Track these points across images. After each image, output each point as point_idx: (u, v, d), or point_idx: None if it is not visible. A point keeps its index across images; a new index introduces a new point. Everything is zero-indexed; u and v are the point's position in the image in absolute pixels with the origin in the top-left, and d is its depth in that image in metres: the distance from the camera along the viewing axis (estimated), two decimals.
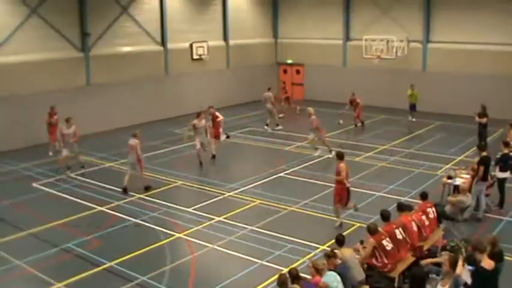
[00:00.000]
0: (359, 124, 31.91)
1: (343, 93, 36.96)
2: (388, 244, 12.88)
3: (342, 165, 17.26)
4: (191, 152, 25.15)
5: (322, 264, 11.57)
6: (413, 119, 32.56)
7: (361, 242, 13.60)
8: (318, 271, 11.40)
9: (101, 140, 28.91)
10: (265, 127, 31.78)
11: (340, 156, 17.68)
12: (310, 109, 26.13)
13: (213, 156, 25.29)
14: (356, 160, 24.84)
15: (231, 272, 14.64)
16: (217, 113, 25.81)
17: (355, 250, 13.11)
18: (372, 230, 13.08)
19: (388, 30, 36.10)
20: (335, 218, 17.53)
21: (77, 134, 23.72)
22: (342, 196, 17.22)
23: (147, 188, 21.20)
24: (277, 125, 31.94)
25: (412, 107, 32.75)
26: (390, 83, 36.84)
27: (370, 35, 36.43)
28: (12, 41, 27.79)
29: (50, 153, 26.45)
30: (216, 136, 25.53)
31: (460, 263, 11.21)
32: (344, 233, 16.16)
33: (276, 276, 11.50)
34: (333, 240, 13.31)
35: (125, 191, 20.89)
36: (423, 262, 13.05)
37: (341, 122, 32.13)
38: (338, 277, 11.35)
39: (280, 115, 33.79)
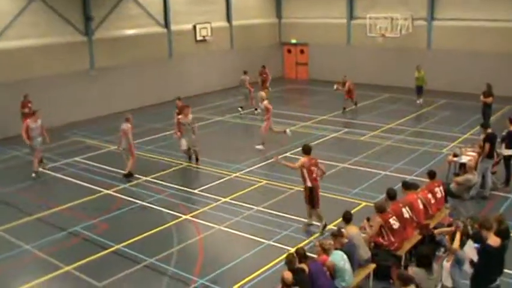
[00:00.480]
0: (353, 106, 31.03)
1: (348, 72, 36.87)
2: (395, 223, 12.92)
3: (303, 160, 15.30)
4: (197, 133, 25.17)
5: (328, 243, 11.63)
6: (421, 101, 31.59)
7: (368, 219, 13.64)
8: (325, 250, 11.45)
9: (106, 124, 28.94)
10: (239, 109, 30.93)
11: (305, 150, 15.55)
12: (262, 93, 25.21)
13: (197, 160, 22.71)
14: (361, 139, 24.84)
15: (238, 252, 14.72)
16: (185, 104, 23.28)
17: (361, 228, 13.15)
18: (379, 209, 13.10)
19: (392, 8, 35.84)
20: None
21: (43, 128, 21.78)
22: (306, 197, 15.53)
23: (127, 176, 20.61)
24: (256, 109, 30.36)
25: (419, 90, 31.61)
26: (395, 62, 36.70)
27: (374, 13, 36.17)
28: (15, 26, 27.73)
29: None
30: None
31: (457, 237, 11.25)
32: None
33: (284, 256, 11.57)
34: (340, 219, 13.36)
35: (128, 176, 20.70)
36: (437, 231, 13.06)
37: (335, 87, 31.22)
38: (345, 256, 11.42)
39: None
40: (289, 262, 10.94)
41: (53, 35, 29.24)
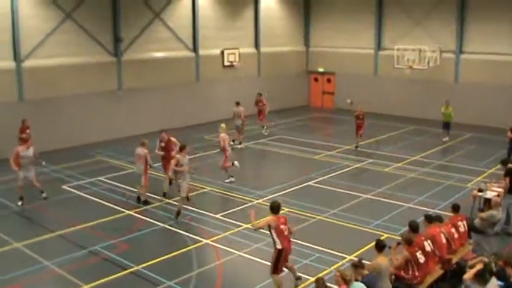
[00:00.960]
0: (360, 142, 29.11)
1: (374, 102, 36.99)
2: (421, 257, 12.69)
3: (269, 218, 13.52)
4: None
5: (349, 274, 11.46)
6: (447, 139, 30.15)
7: (398, 244, 13.24)
8: (346, 281, 11.27)
9: (130, 145, 28.82)
10: (232, 143, 27.48)
11: (272, 208, 13.64)
12: (223, 125, 23.86)
13: (164, 194, 21.36)
14: (385, 170, 24.70)
15: (257, 279, 14.61)
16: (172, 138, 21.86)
17: (390, 260, 12.81)
18: (408, 241, 12.84)
19: (420, 40, 35.86)
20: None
21: (36, 157, 20.89)
22: (273, 261, 13.59)
23: (144, 203, 20.40)
24: (240, 143, 29.43)
25: (446, 126, 30.16)
26: (422, 94, 36.58)
27: (402, 44, 36.20)
28: (47, 45, 28.19)
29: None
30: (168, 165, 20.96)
31: (474, 269, 11.08)
32: (372, 244, 16.14)
33: (303, 286, 11.46)
34: (360, 251, 13.22)
35: (146, 203, 20.48)
36: (466, 277, 12.35)
37: (348, 101, 30.66)
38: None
39: (266, 132, 32.46)
40: (318, 282, 11.00)
41: (83, 55, 29.64)
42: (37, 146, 26.82)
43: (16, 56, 27.18)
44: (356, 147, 28.66)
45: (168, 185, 21.42)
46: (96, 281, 14.40)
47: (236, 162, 23.22)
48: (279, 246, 13.30)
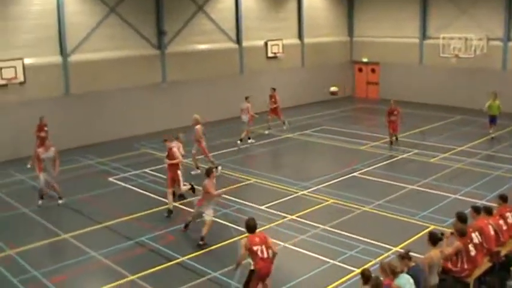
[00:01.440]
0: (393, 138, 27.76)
1: (420, 92, 36.55)
2: (472, 249, 12.45)
3: (244, 241, 12.63)
4: (264, 149, 25.22)
5: (398, 266, 11.27)
6: (493, 134, 28.33)
7: (442, 234, 12.94)
8: (394, 273, 11.07)
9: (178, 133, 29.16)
10: (238, 142, 27.70)
11: (247, 227, 12.61)
12: (197, 116, 23.68)
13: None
14: (431, 161, 24.40)
15: (303, 271, 14.60)
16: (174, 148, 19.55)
17: (441, 252, 12.52)
18: (461, 232, 12.59)
19: (466, 28, 35.27)
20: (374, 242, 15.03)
21: (56, 162, 19.91)
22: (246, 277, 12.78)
23: (180, 197, 20.14)
24: (241, 140, 27.82)
25: (492, 120, 28.33)
26: (468, 83, 35.99)
27: (448, 33, 35.68)
28: (91, 39, 28.58)
29: (28, 166, 23.94)
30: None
31: None
32: (417, 236, 16.00)
33: (349, 277, 11.36)
34: (407, 242, 13.06)
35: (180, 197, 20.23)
36: None
37: (333, 90, 29.75)
38: (411, 280, 11.11)
39: (266, 131, 30.54)
40: (365, 277, 10.72)
41: (127, 48, 29.96)
42: (83, 139, 27.47)
43: (62, 51, 27.62)
44: (391, 143, 27.41)
45: (172, 200, 19.03)
46: (142, 272, 14.57)
47: (219, 168, 22.62)
48: (251, 267, 12.48)
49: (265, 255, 12.22)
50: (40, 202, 19.87)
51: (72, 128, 27.61)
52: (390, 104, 27.71)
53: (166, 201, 19.16)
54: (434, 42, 36.79)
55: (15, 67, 25.79)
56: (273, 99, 30.53)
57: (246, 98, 28.34)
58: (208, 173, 16.40)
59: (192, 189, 20.01)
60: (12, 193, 20.59)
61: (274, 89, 30.81)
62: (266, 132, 30.47)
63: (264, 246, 12.25)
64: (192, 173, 22.99)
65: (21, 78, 26.05)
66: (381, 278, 10.67)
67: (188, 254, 15.56)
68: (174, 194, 19.42)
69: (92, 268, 15.16)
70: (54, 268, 15.07)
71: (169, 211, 18.64)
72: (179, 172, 19.20)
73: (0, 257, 15.86)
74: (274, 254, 12.37)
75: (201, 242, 16.03)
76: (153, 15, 31.05)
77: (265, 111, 30.37)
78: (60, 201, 20.06)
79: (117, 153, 26.38)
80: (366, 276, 10.78)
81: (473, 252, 12.43)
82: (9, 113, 25.51)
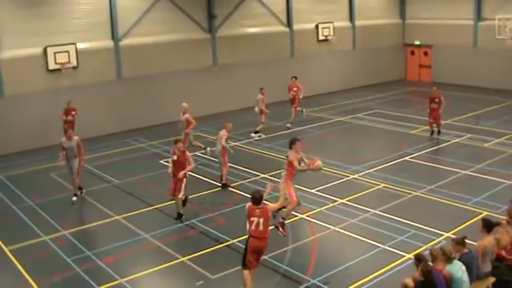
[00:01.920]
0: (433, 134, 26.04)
1: (474, 75, 35.89)
2: None
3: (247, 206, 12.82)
4: (316, 133, 25.06)
5: (451, 251, 11.03)
6: None
7: (507, 222, 12.64)
8: (448, 258, 10.85)
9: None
10: (253, 134, 26.76)
11: (253, 199, 12.73)
12: (185, 104, 23.23)
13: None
14: (485, 146, 23.96)
15: (352, 255, 14.56)
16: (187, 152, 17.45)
17: (496, 239, 12.26)
18: None
19: None
20: None
21: (82, 150, 19.05)
22: None
23: (223, 186, 19.91)
24: (256, 132, 26.76)
25: None
26: None
27: (504, 14, 34.82)
28: (142, 24, 28.86)
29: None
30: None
31: None
32: (470, 221, 15.76)
33: (398, 262, 11.22)
34: (459, 228, 12.82)
35: (224, 186, 20.02)
36: None
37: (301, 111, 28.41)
38: (463, 267, 10.93)
39: (288, 124, 28.31)
40: (419, 260, 10.47)
41: (178, 32, 30.15)
42: (134, 122, 27.78)
43: (114, 35, 27.94)
44: (432, 133, 25.86)
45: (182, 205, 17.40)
46: (193, 254, 14.72)
47: (209, 150, 23.41)
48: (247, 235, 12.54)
49: (260, 228, 12.29)
50: (74, 198, 19.09)
51: (123, 111, 27.98)
52: (433, 90, 26.12)
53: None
54: (490, 23, 35.94)
55: (68, 52, 26.22)
56: (295, 90, 28.34)
57: (261, 89, 26.75)
58: (291, 143, 15.13)
59: (184, 201, 17.48)
60: (65, 175, 20.92)
61: (295, 78, 28.81)
62: (288, 125, 28.29)
63: (261, 220, 12.32)
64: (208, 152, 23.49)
65: (74, 62, 26.47)
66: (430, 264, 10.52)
67: (238, 237, 15.60)
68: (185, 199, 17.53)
69: (143, 249, 15.39)
70: (107, 249, 15.35)
71: (179, 215, 17.11)
72: (185, 180, 17.01)
73: (55, 236, 16.24)
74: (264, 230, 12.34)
75: (281, 220, 15.16)
76: None
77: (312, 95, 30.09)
78: (74, 198, 19.05)
79: (168, 136, 26.51)
80: (420, 260, 10.59)
81: None
82: (63, 98, 25.91)
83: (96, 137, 26.26)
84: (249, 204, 12.59)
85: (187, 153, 16.98)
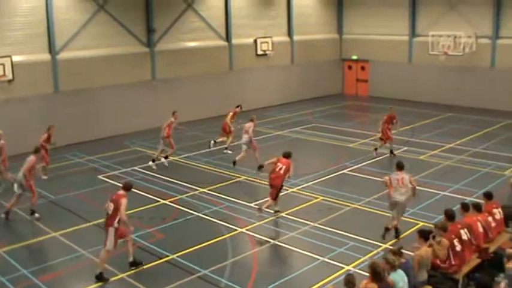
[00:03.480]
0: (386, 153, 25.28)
1: (409, 90, 36.67)
2: (458, 244, 12.53)
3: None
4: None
5: (394, 260, 11.14)
6: None
7: (434, 237, 13.01)
8: (392, 267, 10.93)
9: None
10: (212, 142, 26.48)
11: (284, 154, 18.83)
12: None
13: None
14: (421, 158, 24.49)
15: (293, 268, 14.67)
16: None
17: (429, 246, 12.55)
18: (443, 228, 12.66)
19: (455, 26, 35.32)
20: None
21: (3, 153, 19.86)
22: None
23: (260, 167, 22.91)
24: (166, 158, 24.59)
25: None
26: (457, 80, 36.10)
27: (437, 30, 35.74)
28: (80, 37, 28.46)
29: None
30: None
31: None
32: (406, 232, 16.06)
33: (338, 274, 11.37)
34: (395, 240, 13.04)
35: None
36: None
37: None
38: (405, 277, 11.10)
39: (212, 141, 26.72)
40: (348, 282, 10.49)
41: (116, 46, 29.86)
42: (73, 136, 27.34)
43: (51, 48, 27.48)
44: (391, 152, 25.14)
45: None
46: (132, 270, 14.57)
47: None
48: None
49: (279, 171, 17.92)
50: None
51: (61, 125, 27.24)
52: (390, 109, 25.29)
53: (156, 199, 19.19)
54: (424, 39, 36.85)
55: (3, 64, 25.63)
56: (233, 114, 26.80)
57: (173, 113, 24.50)
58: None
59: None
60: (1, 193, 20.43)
61: (238, 106, 27.14)
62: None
63: (284, 167, 17.96)
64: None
65: (9, 75, 25.92)
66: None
67: (178, 251, 15.55)
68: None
69: (82, 266, 15.12)
70: (44, 266, 15.07)
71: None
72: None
73: None
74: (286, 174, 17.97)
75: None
76: (142, 12, 30.94)
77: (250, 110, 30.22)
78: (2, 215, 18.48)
79: (106, 151, 26.31)
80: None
81: (458, 248, 12.52)
82: None
83: (31, 152, 25.66)
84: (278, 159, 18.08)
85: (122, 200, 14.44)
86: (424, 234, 12.29)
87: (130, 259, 14.71)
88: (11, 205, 18.36)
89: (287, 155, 18.27)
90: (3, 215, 18.31)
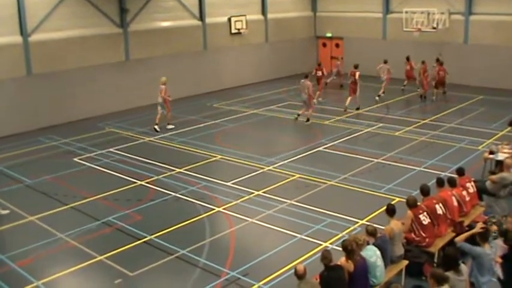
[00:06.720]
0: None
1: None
2: (424, 219, 12.74)
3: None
4: (230, 126, 25.17)
5: (363, 239, 11.37)
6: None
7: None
8: (358, 245, 11.15)
9: (140, 115, 29.11)
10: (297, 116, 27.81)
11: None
12: (163, 78, 26.79)
13: None
14: (396, 134, 24.65)
15: (270, 246, 14.71)
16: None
17: (402, 224, 12.78)
18: (410, 203, 12.95)
19: (429, 2, 35.42)
20: None
21: None
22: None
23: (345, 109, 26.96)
24: (308, 120, 27.08)
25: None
26: (431, 56, 36.20)
27: (411, 7, 35.82)
28: (52, 18, 28.00)
29: None
30: None
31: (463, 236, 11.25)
32: (382, 208, 16.18)
33: (316, 251, 11.48)
34: (373, 214, 13.23)
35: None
36: (458, 239, 12.31)
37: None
38: (378, 252, 11.28)
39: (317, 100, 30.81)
40: (323, 258, 10.62)
41: (89, 27, 29.46)
42: (47, 119, 27.11)
43: (22, 31, 27.07)
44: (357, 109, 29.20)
45: None
46: (110, 252, 14.55)
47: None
48: None
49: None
50: None
51: (35, 109, 27.20)
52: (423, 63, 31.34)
53: (132, 180, 19.18)
54: (397, 16, 36.94)
55: None
56: (319, 72, 33.07)
57: (306, 77, 27.44)
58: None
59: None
60: None
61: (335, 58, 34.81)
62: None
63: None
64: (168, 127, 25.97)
65: None
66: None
67: (156, 232, 15.56)
68: None
69: (60, 250, 15.05)
70: (21, 251, 14.92)
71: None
72: None
73: None
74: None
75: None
76: None
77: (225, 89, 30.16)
78: None
79: (81, 133, 26.11)
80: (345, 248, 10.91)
81: (425, 222, 12.74)
82: None
83: (5, 136, 25.51)
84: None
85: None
86: (388, 210, 12.60)
87: None
88: None
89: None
90: None
